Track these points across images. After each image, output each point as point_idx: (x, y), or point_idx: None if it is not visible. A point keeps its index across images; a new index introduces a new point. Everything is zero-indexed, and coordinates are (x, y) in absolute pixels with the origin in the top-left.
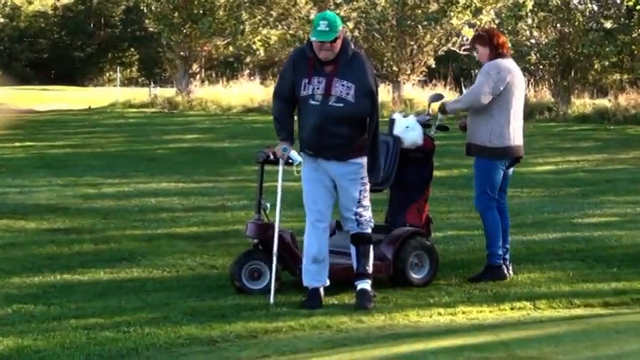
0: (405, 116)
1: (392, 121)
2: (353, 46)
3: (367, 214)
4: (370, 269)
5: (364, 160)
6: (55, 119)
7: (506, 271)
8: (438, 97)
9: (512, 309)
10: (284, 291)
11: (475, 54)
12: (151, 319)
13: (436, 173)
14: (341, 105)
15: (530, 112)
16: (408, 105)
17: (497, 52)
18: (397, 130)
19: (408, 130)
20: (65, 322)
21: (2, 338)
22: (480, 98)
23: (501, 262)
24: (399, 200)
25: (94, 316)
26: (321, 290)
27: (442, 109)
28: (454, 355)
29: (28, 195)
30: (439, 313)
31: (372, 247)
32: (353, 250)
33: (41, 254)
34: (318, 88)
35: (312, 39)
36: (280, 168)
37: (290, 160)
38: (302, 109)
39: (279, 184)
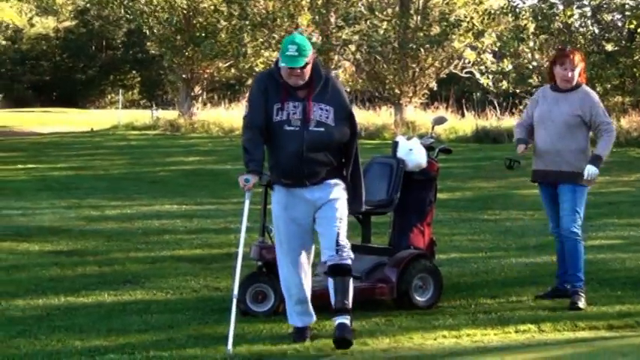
0: (408, 139)
1: (395, 144)
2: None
3: (346, 240)
4: (350, 304)
5: (343, 182)
6: (57, 141)
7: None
8: (441, 120)
9: (516, 332)
10: None
11: (570, 67)
12: (155, 341)
13: (439, 195)
14: (322, 129)
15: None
16: (410, 127)
17: (583, 77)
18: (401, 153)
19: (412, 153)
20: (69, 344)
21: None
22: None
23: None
24: (402, 223)
25: (98, 338)
26: (309, 325)
27: (597, 162)
28: None
29: (31, 217)
30: (444, 336)
31: (351, 280)
32: (330, 282)
33: (45, 276)
34: (294, 114)
35: (281, 64)
36: (246, 201)
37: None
38: (275, 136)
39: (245, 214)
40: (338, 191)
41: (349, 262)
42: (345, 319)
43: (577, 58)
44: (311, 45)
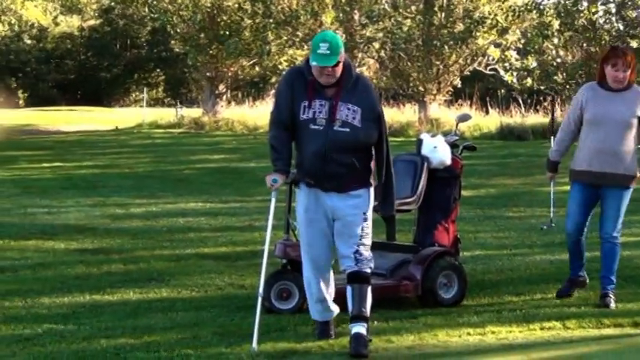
0: (433, 136)
1: (420, 141)
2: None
3: (367, 253)
4: (367, 312)
5: (367, 192)
6: (82, 140)
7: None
8: (465, 117)
9: (541, 329)
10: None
11: (622, 68)
12: (181, 338)
13: (463, 193)
14: (347, 130)
15: (557, 131)
16: (434, 125)
17: (633, 75)
18: (425, 150)
19: (436, 150)
20: (95, 342)
21: (33, 358)
22: None
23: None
24: (427, 220)
25: (124, 336)
26: (332, 320)
27: None
28: None
29: (57, 215)
30: (468, 333)
31: (369, 288)
32: (348, 290)
33: (70, 274)
34: (320, 112)
35: (312, 63)
36: (272, 200)
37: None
38: (301, 134)
39: (271, 214)
40: (360, 204)
41: (369, 270)
42: (362, 328)
43: (629, 58)
44: (342, 42)
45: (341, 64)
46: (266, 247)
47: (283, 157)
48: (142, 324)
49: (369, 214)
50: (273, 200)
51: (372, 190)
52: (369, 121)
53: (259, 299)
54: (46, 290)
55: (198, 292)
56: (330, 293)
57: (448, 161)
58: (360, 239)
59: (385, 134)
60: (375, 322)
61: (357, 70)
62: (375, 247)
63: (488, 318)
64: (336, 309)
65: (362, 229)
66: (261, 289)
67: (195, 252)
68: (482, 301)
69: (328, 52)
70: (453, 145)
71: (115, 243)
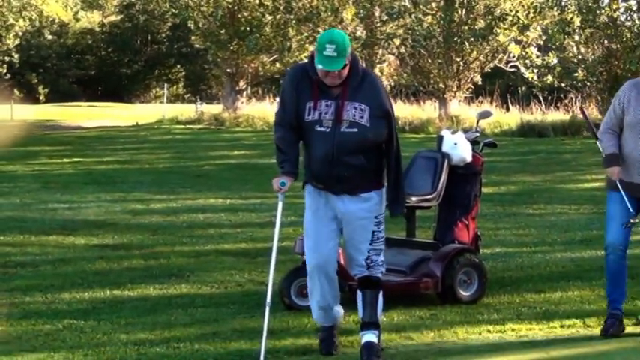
0: (453, 133)
1: (440, 138)
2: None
3: (379, 257)
4: (378, 318)
5: (378, 194)
6: (102, 135)
7: None
8: (486, 114)
9: (561, 326)
10: None
11: None
12: (200, 334)
13: (484, 190)
14: (355, 130)
15: (578, 128)
16: (455, 122)
17: None
18: (446, 147)
19: (457, 147)
20: (115, 337)
21: (53, 353)
22: None
23: None
24: (447, 217)
25: (144, 331)
26: (336, 326)
27: None
28: None
29: (77, 211)
30: (488, 330)
31: (380, 293)
32: (359, 295)
33: (91, 270)
34: (326, 113)
35: (319, 67)
36: (280, 204)
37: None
38: (307, 136)
39: (278, 220)
40: (371, 208)
41: (380, 275)
42: (374, 335)
43: None
44: (349, 41)
45: (348, 64)
46: (273, 257)
47: (290, 159)
48: (161, 320)
49: (382, 217)
50: (280, 205)
51: (384, 191)
52: (378, 118)
53: (267, 309)
54: (66, 285)
55: (218, 289)
56: (336, 297)
57: (469, 158)
58: (371, 244)
59: (395, 131)
60: (395, 319)
61: (377, 66)
62: (395, 243)
63: (508, 315)
64: (341, 310)
65: (373, 234)
66: (268, 299)
67: (215, 248)
68: (502, 299)
69: (335, 54)
70: (474, 142)
71: (136, 239)
